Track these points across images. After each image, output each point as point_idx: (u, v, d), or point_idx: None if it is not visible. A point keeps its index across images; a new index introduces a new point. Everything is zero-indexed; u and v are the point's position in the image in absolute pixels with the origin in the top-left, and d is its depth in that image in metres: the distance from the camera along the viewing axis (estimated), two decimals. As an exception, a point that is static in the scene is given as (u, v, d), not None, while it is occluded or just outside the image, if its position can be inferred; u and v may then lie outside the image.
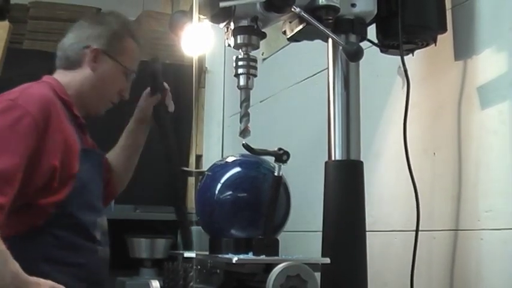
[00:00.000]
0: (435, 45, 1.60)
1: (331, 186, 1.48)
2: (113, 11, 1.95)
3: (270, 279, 1.25)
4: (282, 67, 2.49)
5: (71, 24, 1.92)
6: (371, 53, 1.63)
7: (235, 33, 1.45)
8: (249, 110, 1.45)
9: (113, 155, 2.01)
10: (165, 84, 1.97)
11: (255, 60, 1.47)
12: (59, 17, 2.98)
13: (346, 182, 1.48)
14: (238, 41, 1.46)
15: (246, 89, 1.46)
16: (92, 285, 1.74)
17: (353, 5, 1.51)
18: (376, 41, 1.62)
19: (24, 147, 1.57)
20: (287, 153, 1.42)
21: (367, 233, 1.48)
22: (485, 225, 1.47)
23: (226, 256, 1.39)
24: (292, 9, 1.40)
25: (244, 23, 1.45)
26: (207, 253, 1.53)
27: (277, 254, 1.42)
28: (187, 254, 1.54)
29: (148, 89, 1.97)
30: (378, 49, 1.64)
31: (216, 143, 3.14)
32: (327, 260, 1.35)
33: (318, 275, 1.32)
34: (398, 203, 1.74)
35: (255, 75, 1.46)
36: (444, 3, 1.58)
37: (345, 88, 1.51)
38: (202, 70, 3.24)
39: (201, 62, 3.20)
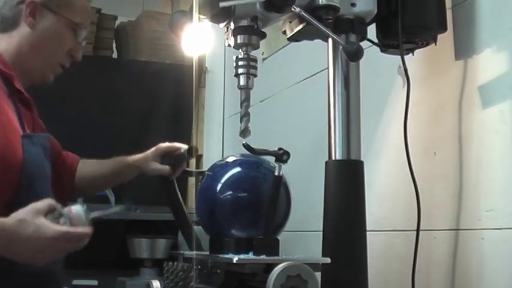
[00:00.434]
0: (435, 44, 1.60)
1: (331, 186, 1.48)
2: None
3: (270, 279, 1.25)
4: (282, 67, 2.49)
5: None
6: (371, 52, 1.63)
7: (235, 33, 1.45)
8: (249, 110, 1.45)
9: (89, 170, 1.77)
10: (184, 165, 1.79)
11: (255, 60, 1.47)
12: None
13: (346, 181, 1.48)
14: (238, 41, 1.45)
15: (246, 89, 1.46)
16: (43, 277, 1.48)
17: (353, 5, 1.50)
18: (376, 40, 1.62)
19: None
20: (287, 153, 1.42)
21: (367, 232, 1.48)
22: (486, 224, 1.47)
23: (227, 256, 1.39)
24: (292, 9, 1.40)
25: (244, 23, 1.45)
26: (208, 253, 1.53)
27: (277, 254, 1.42)
28: (187, 253, 1.54)
29: (169, 168, 1.74)
30: (378, 49, 1.64)
31: (216, 143, 3.14)
32: (328, 260, 1.35)
33: (318, 274, 1.31)
34: (399, 202, 1.74)
35: (255, 75, 1.46)
36: (444, 3, 1.58)
37: (345, 88, 1.51)
38: (202, 70, 3.25)
39: (201, 62, 3.20)
